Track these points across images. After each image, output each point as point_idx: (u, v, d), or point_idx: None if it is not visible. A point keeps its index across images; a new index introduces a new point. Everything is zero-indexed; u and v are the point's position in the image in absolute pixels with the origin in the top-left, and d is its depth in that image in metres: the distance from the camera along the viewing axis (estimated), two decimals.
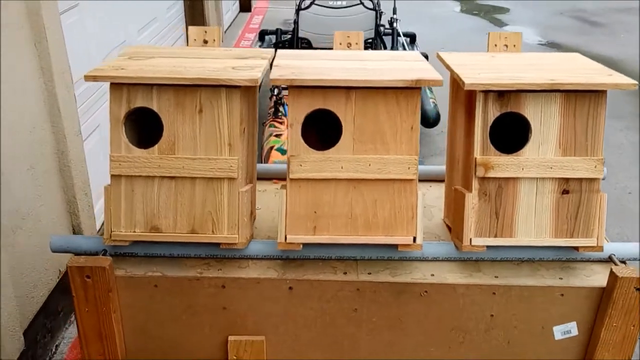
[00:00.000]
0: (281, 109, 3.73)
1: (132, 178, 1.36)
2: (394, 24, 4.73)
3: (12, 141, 1.97)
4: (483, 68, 1.43)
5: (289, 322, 1.43)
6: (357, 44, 1.68)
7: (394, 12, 4.81)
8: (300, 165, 1.35)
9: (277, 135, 3.47)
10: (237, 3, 8.67)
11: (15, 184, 1.99)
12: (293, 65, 1.43)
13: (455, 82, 1.49)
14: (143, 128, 1.42)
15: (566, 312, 1.39)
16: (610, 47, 7.47)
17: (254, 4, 9.18)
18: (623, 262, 1.42)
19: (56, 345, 2.33)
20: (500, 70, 1.43)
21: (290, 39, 4.57)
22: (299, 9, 4.46)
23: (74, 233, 2.40)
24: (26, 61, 2.05)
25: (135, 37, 3.83)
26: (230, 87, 1.32)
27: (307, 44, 4.43)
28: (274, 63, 1.45)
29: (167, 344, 1.45)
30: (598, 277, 1.39)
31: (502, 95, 1.34)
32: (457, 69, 1.41)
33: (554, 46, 7.56)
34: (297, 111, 1.35)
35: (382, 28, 4.65)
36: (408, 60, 1.53)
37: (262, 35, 5.30)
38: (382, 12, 4.69)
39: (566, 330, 1.40)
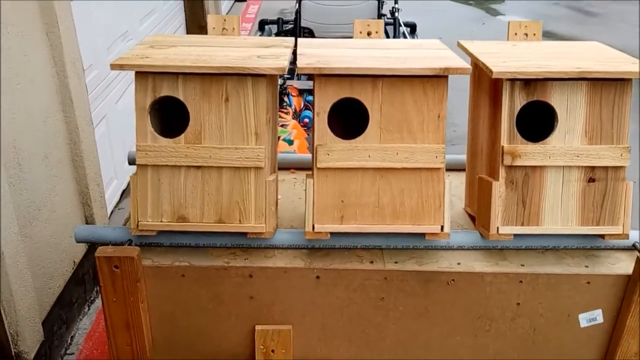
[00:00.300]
0: (285, 99, 3.72)
1: (159, 168, 1.35)
2: (396, 14, 4.72)
3: (27, 131, 1.96)
4: (508, 56, 1.43)
5: (315, 311, 1.43)
6: (377, 32, 1.67)
7: (396, 1, 4.80)
8: (328, 155, 1.35)
9: (282, 126, 3.46)
10: None
11: (31, 175, 1.98)
12: (318, 54, 1.42)
13: (478, 70, 1.49)
14: (166, 117, 1.41)
15: (592, 299, 1.40)
16: (607, 37, 7.47)
17: None
18: None
19: (71, 336, 2.32)
20: (525, 58, 1.43)
21: (293, 28, 4.55)
22: None
23: (87, 223, 2.39)
24: (39, 51, 2.03)
25: (137, 27, 3.80)
26: (256, 76, 1.31)
27: (309, 34, 4.42)
28: (298, 52, 1.44)
29: (193, 334, 1.45)
30: (623, 265, 1.40)
31: (529, 83, 1.34)
32: (482, 57, 1.40)
33: (550, 36, 7.57)
34: (323, 100, 1.34)
35: (383, 17, 4.63)
36: (430, 48, 1.52)
37: (262, 24, 5.26)
38: (383, 2, 4.67)
39: (592, 317, 1.41)
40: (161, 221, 1.37)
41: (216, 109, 1.33)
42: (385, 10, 4.83)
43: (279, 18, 4.91)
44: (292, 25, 4.63)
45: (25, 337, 1.84)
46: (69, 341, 2.29)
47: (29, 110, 1.96)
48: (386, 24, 4.75)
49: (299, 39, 1.58)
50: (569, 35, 7.52)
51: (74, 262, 2.31)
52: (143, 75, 1.32)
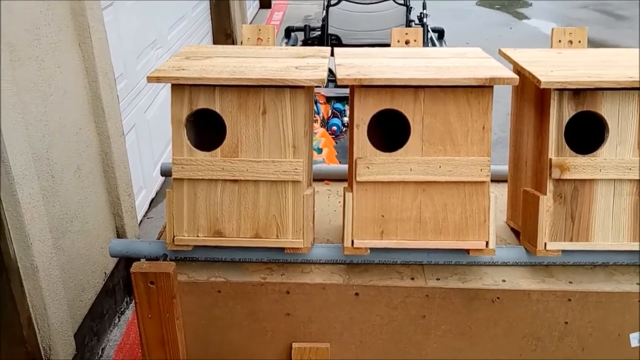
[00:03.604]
0: (314, 107, 3.69)
1: (195, 181, 1.33)
2: (424, 20, 4.67)
3: (60, 142, 1.95)
4: (554, 65, 1.38)
5: (354, 329, 1.39)
6: (415, 41, 1.63)
7: (424, 7, 4.75)
8: (367, 168, 1.31)
9: None
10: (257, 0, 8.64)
11: (64, 186, 1.98)
12: (357, 64, 1.38)
13: (521, 80, 1.44)
14: (202, 130, 1.39)
15: None
16: (636, 41, 7.34)
17: (273, 1, 9.14)
18: None
19: (102, 348, 2.31)
20: (572, 67, 1.37)
21: (320, 35, 4.52)
22: (328, 5, 4.41)
23: (118, 235, 2.38)
24: (72, 61, 2.03)
25: (166, 35, 3.81)
26: (294, 88, 1.28)
27: (336, 41, 4.38)
28: (336, 62, 1.41)
29: (228, 350, 1.42)
30: None
31: (578, 93, 1.28)
32: (528, 66, 1.35)
33: None
34: (363, 112, 1.30)
35: (412, 24, 4.58)
36: (472, 57, 1.47)
37: (288, 32, 5.25)
38: (411, 8, 4.62)
39: None
40: (197, 236, 1.35)
41: (253, 121, 1.30)
42: (413, 16, 4.78)
43: (305, 25, 4.88)
44: (319, 33, 4.61)
45: (58, 350, 1.83)
46: (100, 353, 2.28)
47: (62, 122, 1.96)
48: None
49: (336, 49, 1.55)
50: (599, 39, 7.38)
51: (105, 273, 2.30)
52: (179, 87, 1.30)
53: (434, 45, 4.83)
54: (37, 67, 1.81)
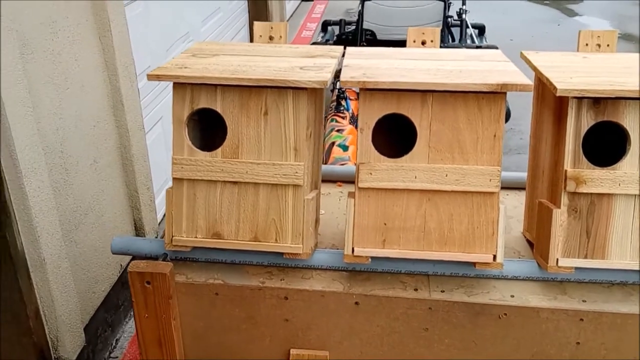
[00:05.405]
0: (343, 103, 3.64)
1: (195, 182, 1.31)
2: (463, 15, 4.54)
3: (76, 136, 1.96)
4: (575, 71, 1.30)
5: (354, 338, 1.34)
6: (432, 41, 1.56)
7: (463, 2, 4.62)
8: (370, 174, 1.26)
9: (338, 131, 3.38)
10: None
11: (78, 179, 1.99)
12: (364, 65, 1.33)
13: (542, 84, 1.36)
14: (207, 128, 1.37)
15: None
16: None
17: None
18: None
19: (116, 340, 2.33)
20: (595, 73, 1.29)
21: (354, 30, 4.45)
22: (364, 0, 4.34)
23: (136, 227, 2.39)
24: (90, 55, 2.03)
25: (199, 28, 3.81)
26: (297, 89, 1.24)
27: (371, 36, 4.31)
28: (344, 63, 1.36)
29: (226, 354, 1.40)
30: None
31: (598, 102, 1.20)
32: (547, 71, 1.28)
33: (630, 39, 7.14)
34: (367, 115, 1.25)
35: (450, 19, 4.47)
36: (489, 60, 1.40)
37: (325, 26, 5.20)
38: (450, 3, 4.51)
39: None
40: (196, 237, 1.33)
41: (255, 122, 1.27)
42: (452, 11, 4.66)
43: (341, 19, 4.82)
44: (354, 27, 4.54)
45: (65, 342, 1.85)
46: (114, 344, 2.30)
47: (78, 114, 1.97)
48: (452, 25, 4.59)
49: (348, 48, 1.50)
50: None
51: (121, 265, 2.32)
52: (181, 86, 1.28)
53: (473, 42, 4.71)
54: (53, 61, 1.82)
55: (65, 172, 1.89)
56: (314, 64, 1.33)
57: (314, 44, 5.08)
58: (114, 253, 1.44)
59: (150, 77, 1.26)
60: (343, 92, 3.66)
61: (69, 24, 1.87)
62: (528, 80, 1.21)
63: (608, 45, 1.49)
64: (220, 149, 1.29)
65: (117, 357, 2.26)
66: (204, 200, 1.31)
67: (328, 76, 1.24)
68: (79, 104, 1.97)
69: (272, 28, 1.57)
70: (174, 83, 1.28)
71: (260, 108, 1.26)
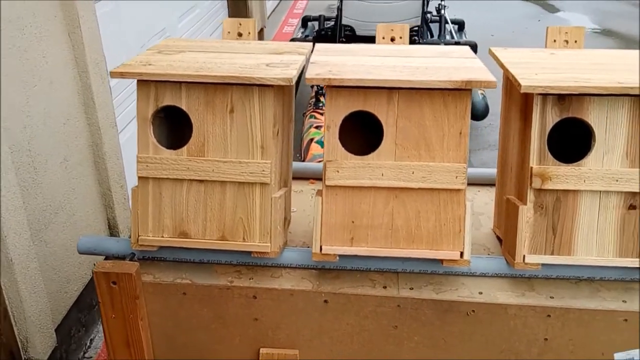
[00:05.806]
0: (322, 99, 3.63)
1: (160, 180, 1.29)
2: (442, 11, 4.56)
3: (45, 133, 1.93)
4: (542, 67, 1.30)
5: (323, 337, 1.34)
6: (401, 38, 1.56)
7: None
8: (337, 172, 1.25)
9: (317, 127, 3.37)
10: None
11: (48, 178, 1.96)
12: (331, 62, 1.32)
13: (509, 81, 1.36)
14: (174, 127, 1.35)
15: (629, 338, 1.26)
16: None
17: None
18: None
19: (90, 340, 2.31)
20: (560, 70, 1.29)
21: (334, 26, 4.45)
22: None
23: (110, 226, 2.37)
24: (59, 51, 2.00)
25: (176, 24, 3.77)
26: (263, 86, 1.23)
27: (350, 32, 4.31)
28: (311, 59, 1.35)
29: (196, 354, 1.39)
30: None
31: (563, 99, 1.21)
32: (513, 68, 1.28)
33: (610, 34, 7.20)
34: (334, 113, 1.25)
35: (429, 15, 4.48)
36: (457, 57, 1.40)
37: (305, 21, 5.20)
38: None
39: (628, 358, 1.27)
40: (162, 236, 1.31)
41: (220, 120, 1.25)
42: (431, 7, 4.67)
43: (320, 15, 4.81)
44: (333, 23, 4.53)
45: (36, 343, 1.82)
46: (88, 344, 2.28)
47: (47, 112, 1.93)
48: (431, 21, 4.60)
49: (317, 45, 1.49)
50: (631, 34, 7.13)
51: (94, 264, 2.29)
52: (145, 83, 1.26)
53: (452, 37, 4.72)
54: (19, 57, 1.78)
55: (33, 170, 1.86)
56: (280, 61, 1.32)
57: (293, 39, 5.07)
58: (80, 253, 1.42)
59: (114, 75, 1.24)
60: (321, 89, 3.65)
61: (36, 20, 1.84)
62: (493, 77, 1.21)
63: (576, 41, 1.49)
64: (185, 147, 1.27)
65: (91, 357, 2.24)
66: (170, 199, 1.29)
67: (294, 73, 1.23)
68: (47, 101, 1.93)
69: (240, 24, 1.56)
70: (138, 80, 1.26)
71: (226, 105, 1.25)
